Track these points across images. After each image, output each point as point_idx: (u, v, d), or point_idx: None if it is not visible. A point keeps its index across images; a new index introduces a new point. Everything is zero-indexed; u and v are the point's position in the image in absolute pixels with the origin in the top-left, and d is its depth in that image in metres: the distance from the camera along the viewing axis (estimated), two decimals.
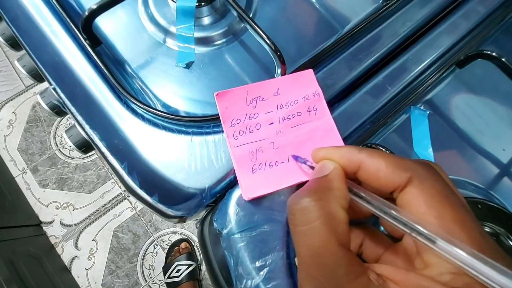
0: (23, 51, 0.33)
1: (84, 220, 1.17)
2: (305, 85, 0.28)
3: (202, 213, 0.28)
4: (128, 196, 1.19)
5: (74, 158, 1.23)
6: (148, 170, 0.27)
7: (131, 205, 1.18)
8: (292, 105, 0.28)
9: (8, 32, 0.36)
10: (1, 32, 0.37)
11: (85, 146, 0.32)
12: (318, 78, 0.29)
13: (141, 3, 0.34)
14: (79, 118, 0.29)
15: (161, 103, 0.31)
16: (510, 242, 0.26)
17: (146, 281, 1.11)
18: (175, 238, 1.15)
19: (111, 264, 1.12)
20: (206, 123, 0.28)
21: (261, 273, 0.23)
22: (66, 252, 1.13)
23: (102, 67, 0.29)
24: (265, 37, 0.28)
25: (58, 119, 1.28)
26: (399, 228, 0.17)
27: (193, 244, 1.13)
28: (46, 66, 0.31)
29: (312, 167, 0.23)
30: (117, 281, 1.11)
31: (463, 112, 0.34)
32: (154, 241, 1.15)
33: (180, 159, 0.27)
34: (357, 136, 0.30)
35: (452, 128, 0.33)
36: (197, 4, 0.31)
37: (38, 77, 0.38)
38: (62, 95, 0.30)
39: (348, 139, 0.29)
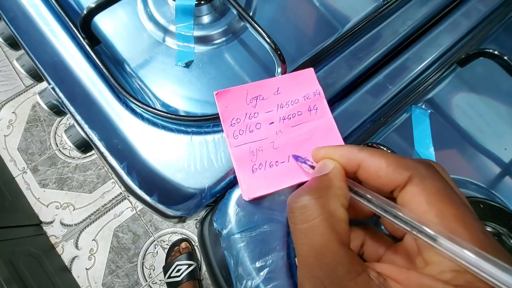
0: (22, 51, 0.33)
1: (84, 220, 1.17)
2: (306, 84, 0.28)
3: (202, 213, 0.28)
4: (128, 196, 1.19)
5: (74, 158, 1.22)
6: (147, 170, 0.27)
7: (131, 205, 1.18)
8: (293, 104, 0.28)
9: (7, 31, 0.36)
10: (0, 32, 0.36)
11: (84, 146, 0.32)
12: (318, 77, 0.29)
13: (140, 2, 0.34)
14: (78, 117, 0.29)
15: (160, 103, 0.31)
16: None
17: (147, 281, 1.11)
18: (175, 238, 1.15)
19: (111, 264, 1.12)
20: (206, 123, 0.28)
21: (261, 273, 0.23)
22: (66, 252, 1.13)
23: (101, 67, 0.29)
24: (265, 36, 0.28)
25: (58, 119, 1.28)
26: (400, 226, 0.17)
27: (194, 244, 1.13)
28: (45, 65, 0.30)
29: (313, 167, 0.23)
30: (117, 281, 1.11)
31: (464, 111, 0.34)
32: (154, 241, 1.15)
33: (180, 159, 0.27)
34: (358, 135, 0.30)
35: (454, 127, 0.33)
36: (196, 2, 0.31)
37: (37, 77, 0.37)
38: (61, 94, 0.29)
39: (348, 138, 0.29)
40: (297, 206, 0.18)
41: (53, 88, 0.30)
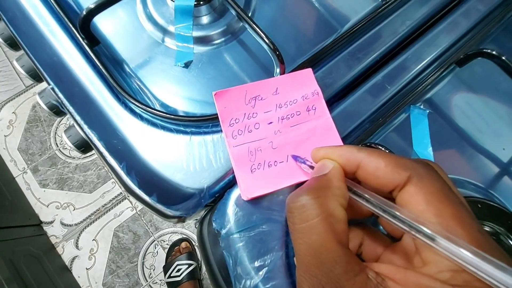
0: (22, 51, 0.33)
1: (84, 220, 1.17)
2: (304, 84, 0.28)
3: (201, 213, 0.28)
4: (128, 196, 1.19)
5: (74, 158, 1.23)
6: (146, 170, 0.27)
7: (132, 204, 1.19)
8: (291, 104, 0.28)
9: (6, 32, 0.36)
10: (0, 32, 0.36)
11: (84, 146, 0.32)
12: (317, 77, 0.29)
13: (140, 2, 0.34)
14: (78, 118, 0.29)
15: (159, 103, 0.31)
16: (510, 241, 0.26)
17: (147, 281, 1.11)
18: (175, 237, 1.15)
19: (112, 264, 1.12)
20: (205, 123, 0.28)
21: (260, 273, 0.23)
22: (66, 252, 1.13)
23: (100, 67, 0.29)
24: (264, 36, 0.28)
25: (58, 119, 1.28)
26: (398, 226, 0.17)
27: (194, 243, 1.13)
28: (44, 66, 0.30)
29: (312, 167, 0.23)
30: (118, 281, 1.11)
31: (463, 111, 0.34)
32: (154, 240, 1.15)
33: (179, 159, 0.27)
34: (356, 135, 0.30)
35: (452, 127, 0.33)
36: (195, 3, 0.31)
37: (37, 77, 0.38)
38: (60, 95, 0.29)
39: (347, 138, 0.29)
40: (296, 206, 0.18)
41: (52, 89, 0.30)
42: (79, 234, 1.15)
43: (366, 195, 0.19)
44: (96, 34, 0.32)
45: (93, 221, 1.17)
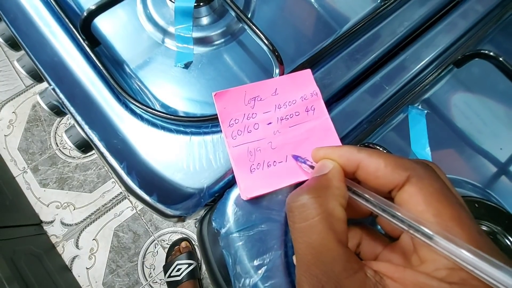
0: (23, 51, 0.33)
1: (84, 219, 1.17)
2: (303, 85, 0.29)
3: (201, 213, 0.29)
4: (128, 196, 1.19)
5: (74, 157, 1.23)
6: (147, 170, 0.27)
7: (132, 204, 1.19)
8: (290, 105, 0.28)
9: (7, 32, 0.36)
10: (0, 33, 0.37)
11: (84, 146, 0.33)
12: (316, 78, 0.29)
13: (140, 4, 0.34)
14: (78, 118, 0.29)
15: (159, 103, 0.31)
16: (507, 240, 0.26)
17: (147, 280, 1.11)
18: (175, 237, 1.15)
19: (112, 263, 1.13)
20: (205, 123, 0.28)
21: (259, 271, 0.23)
22: (66, 251, 1.14)
23: (101, 68, 0.29)
24: (263, 37, 0.28)
25: (58, 119, 1.28)
26: (397, 225, 0.17)
27: (194, 243, 1.14)
28: (45, 66, 0.31)
29: (312, 167, 0.23)
30: (118, 280, 1.11)
31: (460, 111, 0.34)
32: (154, 240, 1.15)
33: (179, 159, 0.28)
34: (355, 135, 0.30)
35: (450, 127, 0.33)
36: (195, 4, 0.31)
37: (37, 77, 0.38)
38: (61, 95, 0.30)
39: (345, 139, 0.29)
40: (296, 205, 0.18)
41: (53, 89, 0.30)
42: (79, 234, 1.16)
43: (366, 195, 0.19)
44: (96, 35, 0.32)
45: (93, 221, 1.17)
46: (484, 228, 0.27)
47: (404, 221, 0.17)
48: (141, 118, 0.29)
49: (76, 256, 1.13)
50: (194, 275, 1.04)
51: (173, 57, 0.33)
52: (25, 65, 0.37)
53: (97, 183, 1.20)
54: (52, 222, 1.16)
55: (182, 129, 0.28)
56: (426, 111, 0.33)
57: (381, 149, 0.29)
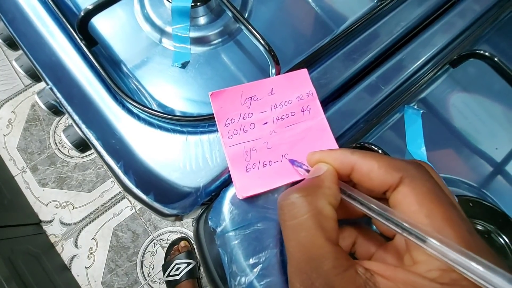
0: (21, 51, 0.33)
1: (83, 219, 1.17)
2: (299, 85, 0.29)
3: (198, 212, 0.29)
4: (127, 195, 1.19)
5: (73, 157, 1.23)
6: (144, 169, 0.27)
7: (130, 204, 1.19)
8: (286, 105, 0.28)
9: (5, 32, 0.36)
10: None
11: (82, 146, 0.33)
12: (312, 77, 0.29)
13: (137, 3, 0.34)
14: (76, 117, 0.29)
15: (156, 103, 0.31)
16: (501, 240, 0.27)
17: (146, 280, 1.11)
18: (174, 236, 1.16)
19: (111, 263, 1.13)
20: (201, 123, 0.28)
21: (255, 270, 0.23)
22: (66, 250, 1.14)
23: (98, 67, 0.29)
24: (259, 38, 0.29)
25: (57, 118, 1.28)
26: (391, 228, 0.17)
27: (192, 242, 1.14)
28: (43, 66, 0.31)
29: (308, 171, 0.23)
30: (117, 280, 1.11)
31: (456, 111, 0.34)
32: (153, 239, 1.15)
33: (176, 158, 0.28)
34: (351, 135, 0.30)
35: (446, 127, 0.34)
36: (192, 4, 0.32)
37: (35, 77, 0.38)
38: (58, 95, 0.30)
39: (341, 138, 0.29)
40: (286, 203, 0.19)
41: (51, 89, 0.30)
42: (78, 233, 1.16)
43: (360, 198, 0.19)
44: (94, 35, 0.32)
45: (92, 220, 1.17)
46: (478, 227, 0.27)
47: (397, 224, 0.17)
48: (138, 118, 0.29)
49: (75, 255, 1.14)
50: (193, 274, 1.04)
51: (170, 57, 0.33)
52: (23, 65, 0.37)
53: (96, 182, 1.21)
54: (51, 221, 1.17)
55: (178, 128, 0.29)
56: (422, 111, 0.33)
57: (375, 148, 0.29)
